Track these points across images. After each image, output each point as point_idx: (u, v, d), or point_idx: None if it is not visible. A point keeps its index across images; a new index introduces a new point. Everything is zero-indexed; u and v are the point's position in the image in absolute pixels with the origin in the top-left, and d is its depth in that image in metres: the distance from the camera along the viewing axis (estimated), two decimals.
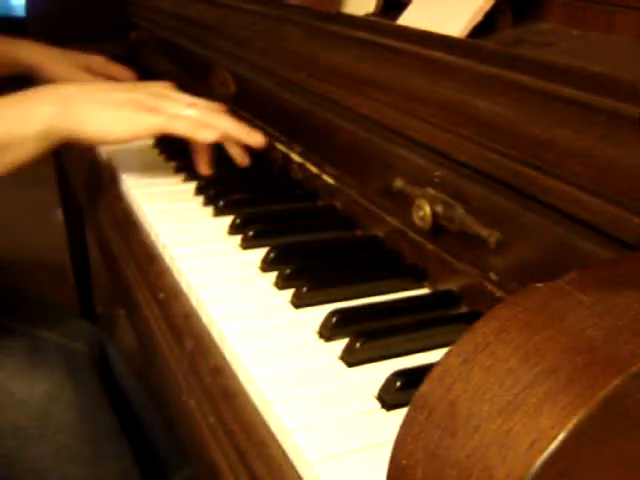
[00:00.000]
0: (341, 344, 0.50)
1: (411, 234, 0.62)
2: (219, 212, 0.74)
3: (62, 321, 0.94)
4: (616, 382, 0.25)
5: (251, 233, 0.67)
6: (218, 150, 0.96)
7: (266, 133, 0.92)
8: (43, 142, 0.71)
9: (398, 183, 0.63)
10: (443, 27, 0.63)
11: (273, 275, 0.60)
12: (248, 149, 0.89)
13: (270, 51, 0.91)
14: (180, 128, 0.71)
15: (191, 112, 0.72)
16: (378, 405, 0.45)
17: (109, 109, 0.70)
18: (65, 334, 0.91)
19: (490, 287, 0.53)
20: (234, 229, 0.69)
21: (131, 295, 0.65)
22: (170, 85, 0.81)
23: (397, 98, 0.65)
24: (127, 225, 0.75)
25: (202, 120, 0.73)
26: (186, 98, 0.76)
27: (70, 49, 1.13)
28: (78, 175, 0.97)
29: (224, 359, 0.51)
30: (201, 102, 0.77)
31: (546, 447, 0.24)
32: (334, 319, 0.52)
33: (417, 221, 0.59)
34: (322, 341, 0.52)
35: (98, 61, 1.15)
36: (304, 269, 0.60)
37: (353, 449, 0.41)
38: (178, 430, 0.52)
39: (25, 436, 0.82)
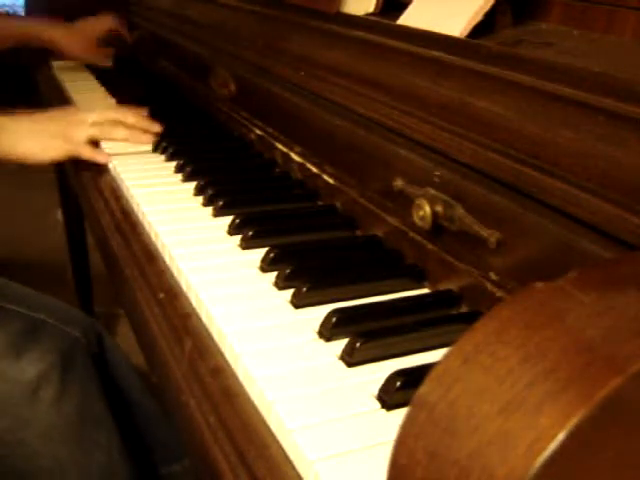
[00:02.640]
0: (341, 344, 0.50)
1: (411, 234, 0.62)
2: (219, 212, 0.74)
3: (60, 308, 0.95)
4: (616, 382, 0.25)
5: (250, 233, 0.67)
6: (218, 150, 0.96)
7: (266, 133, 0.92)
8: None
9: (398, 183, 0.63)
10: (443, 27, 0.63)
11: (273, 275, 0.60)
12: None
13: (270, 51, 0.91)
14: (85, 154, 0.92)
15: (94, 131, 0.94)
16: (378, 405, 0.45)
17: (34, 140, 0.92)
18: (62, 319, 0.92)
19: (490, 287, 0.53)
20: (234, 229, 0.69)
21: (131, 295, 0.64)
22: (70, 109, 1.08)
23: (397, 98, 0.65)
24: (127, 225, 0.75)
25: (103, 136, 0.96)
26: (85, 116, 0.95)
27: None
28: (77, 175, 0.97)
29: (224, 359, 0.51)
30: (102, 117, 0.96)
31: (546, 447, 0.24)
32: (334, 319, 0.52)
33: (417, 221, 0.59)
34: (322, 341, 0.52)
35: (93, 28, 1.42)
36: (304, 269, 0.60)
37: (353, 449, 0.41)
38: (178, 430, 0.52)
39: (15, 415, 0.83)
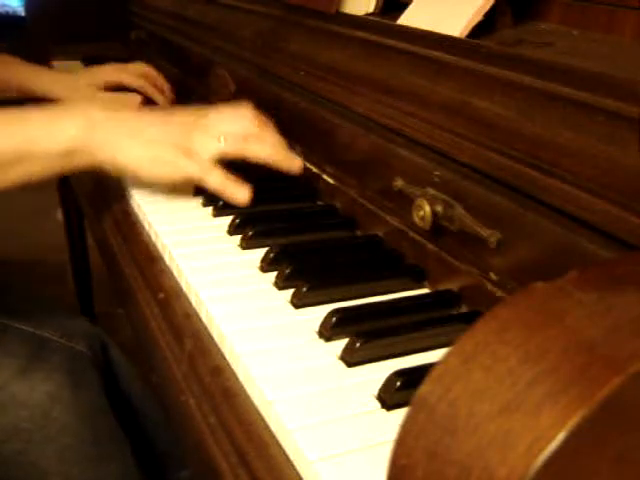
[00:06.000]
0: (341, 344, 0.50)
1: (411, 234, 0.62)
2: (219, 212, 0.74)
3: (64, 322, 0.93)
4: (616, 382, 0.25)
5: (251, 233, 0.67)
6: None
7: None
8: (63, 162, 0.68)
9: (398, 183, 0.63)
10: (443, 27, 0.63)
11: (273, 275, 0.60)
12: None
13: (270, 51, 0.91)
14: (212, 183, 0.68)
15: (227, 145, 0.70)
16: (378, 405, 0.45)
17: (144, 147, 0.68)
18: (66, 335, 0.90)
19: (490, 287, 0.53)
20: (234, 229, 0.69)
21: (131, 295, 0.64)
22: (200, 109, 0.76)
23: (397, 98, 0.65)
24: (127, 225, 0.75)
25: (239, 153, 0.71)
26: (219, 125, 0.72)
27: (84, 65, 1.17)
28: (78, 175, 0.97)
29: (224, 359, 0.51)
30: (232, 127, 0.72)
31: (546, 447, 0.24)
32: (334, 319, 0.52)
33: (417, 221, 0.59)
34: (322, 341, 0.52)
35: (111, 73, 1.15)
36: (304, 269, 0.60)
37: (353, 449, 0.41)
38: (178, 430, 0.52)
39: (26, 438, 0.82)
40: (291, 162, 0.74)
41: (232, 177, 0.69)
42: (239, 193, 0.68)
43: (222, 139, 0.70)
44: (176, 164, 0.67)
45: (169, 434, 1.04)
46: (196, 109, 0.77)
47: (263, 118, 0.76)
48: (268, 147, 0.72)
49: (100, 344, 0.97)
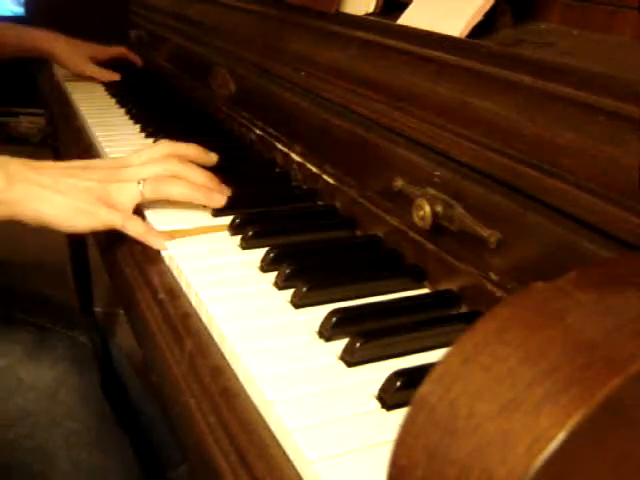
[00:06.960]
0: (341, 344, 0.50)
1: (411, 234, 0.62)
2: (219, 212, 0.74)
3: (66, 315, 0.94)
4: (616, 382, 0.25)
5: (250, 233, 0.67)
6: (217, 150, 0.96)
7: (266, 133, 0.92)
8: None
9: (398, 183, 0.63)
10: (443, 27, 0.63)
11: (273, 275, 0.60)
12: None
13: (270, 51, 0.91)
14: (132, 232, 0.69)
15: (145, 191, 0.71)
16: (378, 405, 0.45)
17: (65, 198, 0.67)
18: (69, 326, 0.91)
19: (490, 287, 0.53)
20: (234, 229, 0.69)
21: (131, 295, 0.64)
22: (118, 159, 0.77)
23: (397, 98, 0.65)
24: None
25: (156, 196, 0.72)
26: (136, 172, 0.72)
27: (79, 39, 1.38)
28: None
29: (224, 359, 0.51)
30: (150, 171, 0.73)
31: (546, 447, 0.24)
32: (334, 319, 0.52)
33: (417, 221, 0.59)
34: (322, 341, 0.52)
35: (100, 50, 1.40)
36: (304, 269, 0.60)
37: (353, 449, 0.41)
38: (178, 430, 0.52)
39: (34, 422, 0.82)
40: (211, 199, 0.73)
41: (150, 227, 0.70)
42: (158, 242, 0.68)
43: (140, 186, 0.70)
44: (97, 214, 0.67)
45: (168, 429, 1.05)
46: (113, 159, 0.78)
47: (182, 151, 0.76)
48: (187, 186, 0.72)
49: (100, 338, 0.98)
